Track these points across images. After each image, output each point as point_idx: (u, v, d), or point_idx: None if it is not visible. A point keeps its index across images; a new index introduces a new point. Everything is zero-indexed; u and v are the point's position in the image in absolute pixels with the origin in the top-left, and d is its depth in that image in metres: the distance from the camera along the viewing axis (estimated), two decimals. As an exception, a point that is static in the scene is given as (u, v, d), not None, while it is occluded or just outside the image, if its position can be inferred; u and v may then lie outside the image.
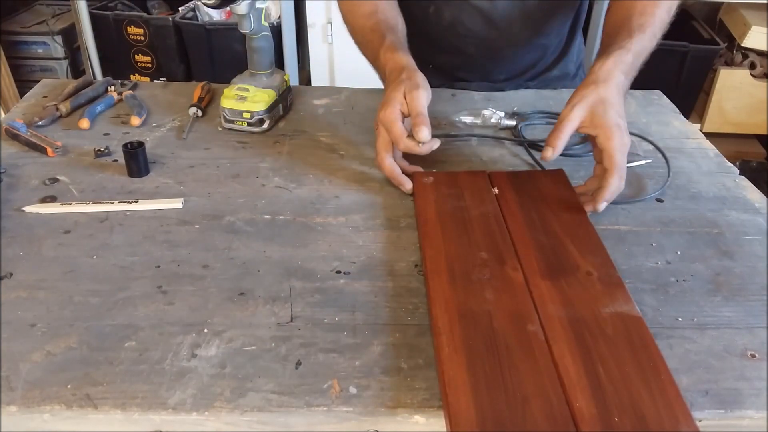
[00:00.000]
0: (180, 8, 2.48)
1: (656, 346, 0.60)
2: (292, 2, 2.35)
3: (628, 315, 0.64)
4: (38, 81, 1.18)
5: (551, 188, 0.84)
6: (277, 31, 2.29)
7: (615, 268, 0.70)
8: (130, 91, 1.10)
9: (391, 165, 0.86)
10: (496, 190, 0.83)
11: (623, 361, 0.58)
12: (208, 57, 2.40)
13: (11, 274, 0.71)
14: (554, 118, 1.06)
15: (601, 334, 0.61)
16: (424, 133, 0.80)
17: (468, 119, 1.03)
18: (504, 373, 0.57)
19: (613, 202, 0.81)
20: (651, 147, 0.99)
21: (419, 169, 0.89)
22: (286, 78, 1.05)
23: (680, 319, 0.67)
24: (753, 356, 0.62)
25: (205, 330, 0.64)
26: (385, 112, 0.83)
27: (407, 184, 0.85)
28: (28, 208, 0.81)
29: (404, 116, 0.83)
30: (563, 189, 0.84)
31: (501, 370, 0.58)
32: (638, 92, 1.17)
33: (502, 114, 1.03)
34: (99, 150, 0.94)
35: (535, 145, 0.98)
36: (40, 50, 2.56)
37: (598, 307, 0.65)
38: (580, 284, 0.68)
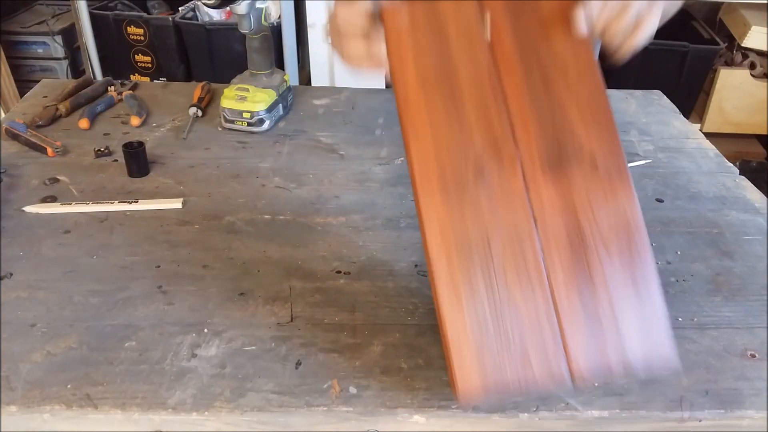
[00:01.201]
0: (180, 8, 2.48)
1: (652, 258, 0.59)
2: (292, 2, 2.34)
3: (628, 222, 0.60)
4: (38, 81, 1.18)
5: (553, 6, 0.66)
6: (277, 31, 2.29)
7: (618, 141, 0.63)
8: (130, 91, 1.10)
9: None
10: (488, 19, 0.66)
11: (619, 285, 0.57)
12: (208, 57, 2.40)
13: (11, 274, 0.71)
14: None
15: (598, 253, 0.59)
16: None
17: None
18: (505, 321, 0.56)
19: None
20: (651, 147, 0.99)
21: None
22: (286, 78, 1.05)
23: (680, 319, 0.67)
24: (753, 356, 0.62)
25: (205, 330, 0.64)
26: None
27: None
28: (28, 208, 0.81)
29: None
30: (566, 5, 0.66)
31: (502, 317, 0.56)
32: (638, 92, 1.17)
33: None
34: (99, 150, 0.94)
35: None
36: (40, 50, 2.56)
37: (598, 212, 0.60)
38: (582, 176, 0.61)
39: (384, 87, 1.31)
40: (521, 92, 0.64)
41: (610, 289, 0.57)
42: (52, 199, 0.83)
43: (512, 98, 0.63)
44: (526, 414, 0.56)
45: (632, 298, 0.57)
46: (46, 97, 1.10)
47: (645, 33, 0.64)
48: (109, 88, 1.11)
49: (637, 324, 0.56)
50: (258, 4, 0.96)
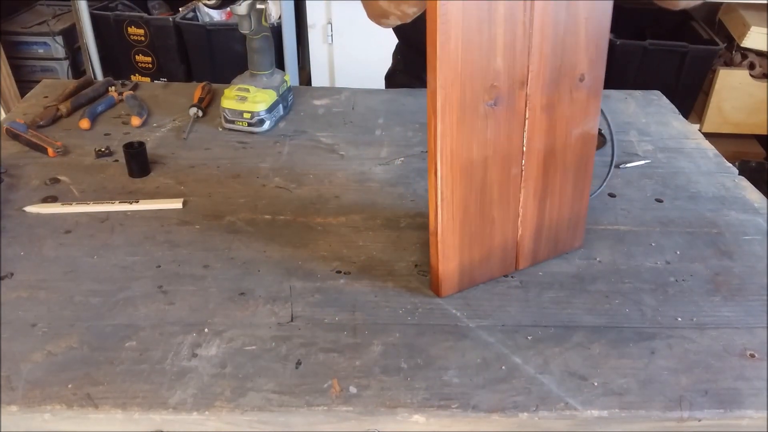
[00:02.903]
0: (180, 8, 2.48)
1: (593, 163, 0.73)
2: (292, 3, 2.35)
3: (588, 135, 0.71)
4: (39, 81, 1.18)
5: None
6: (277, 31, 2.29)
7: (604, 64, 0.68)
8: (131, 92, 1.11)
9: None
10: None
11: (566, 191, 0.71)
12: (209, 57, 2.40)
13: (12, 274, 0.71)
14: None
15: (561, 165, 0.70)
16: None
17: None
18: (485, 229, 0.68)
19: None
20: (650, 147, 0.99)
21: None
22: (286, 78, 1.05)
23: (680, 319, 0.67)
24: (752, 356, 0.63)
25: (206, 330, 0.64)
26: None
27: None
28: (28, 208, 0.81)
29: None
30: None
31: (483, 225, 0.67)
32: (638, 92, 1.18)
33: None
34: (100, 150, 0.94)
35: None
36: (40, 50, 2.56)
37: (571, 128, 0.69)
38: (569, 96, 0.67)
39: (384, 87, 1.31)
40: (546, 14, 0.63)
41: (559, 191, 0.71)
42: (52, 199, 0.84)
43: (538, 17, 0.63)
44: (525, 414, 0.57)
45: (572, 196, 0.72)
46: (46, 97, 1.10)
47: None
48: (109, 88, 1.11)
49: (569, 218, 0.73)
50: (258, 5, 0.96)
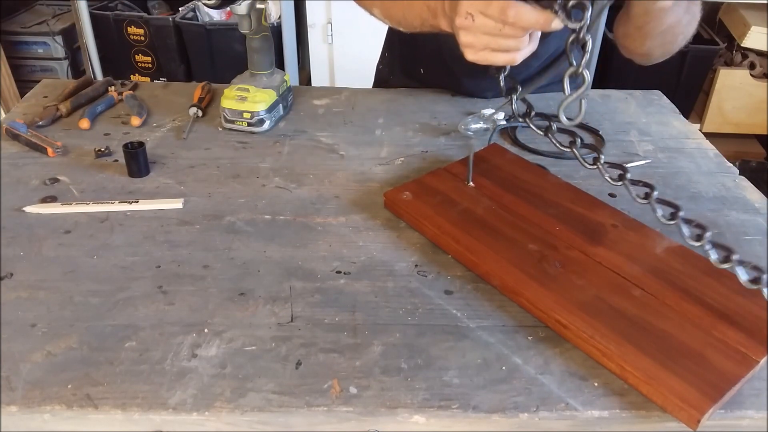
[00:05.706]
0: (180, 8, 2.48)
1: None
2: (292, 2, 2.35)
3: (676, 248, 0.73)
4: (38, 81, 1.18)
5: (500, 161, 0.89)
6: (277, 31, 2.29)
7: (617, 209, 0.77)
8: (131, 92, 1.10)
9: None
10: (471, 184, 0.83)
11: (711, 283, 0.67)
12: (209, 57, 2.40)
13: (11, 274, 0.71)
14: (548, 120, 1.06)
15: (682, 274, 0.69)
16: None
17: (477, 125, 1.02)
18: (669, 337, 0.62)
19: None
20: (651, 147, 0.99)
21: None
22: (286, 78, 1.05)
23: (680, 319, 0.67)
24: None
25: (206, 330, 0.64)
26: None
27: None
28: (28, 209, 0.81)
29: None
30: (509, 157, 0.91)
31: (664, 335, 0.62)
32: (638, 92, 1.17)
33: (502, 114, 1.03)
34: (99, 150, 0.94)
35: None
36: (40, 50, 2.56)
37: (654, 252, 0.72)
38: (621, 238, 0.74)
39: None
40: (530, 209, 0.79)
41: (709, 288, 0.67)
42: (52, 199, 0.83)
43: (528, 215, 0.78)
44: (526, 414, 0.57)
45: (720, 285, 0.68)
46: (46, 97, 1.10)
47: None
48: (109, 88, 1.11)
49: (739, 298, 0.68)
50: (258, 5, 0.96)
